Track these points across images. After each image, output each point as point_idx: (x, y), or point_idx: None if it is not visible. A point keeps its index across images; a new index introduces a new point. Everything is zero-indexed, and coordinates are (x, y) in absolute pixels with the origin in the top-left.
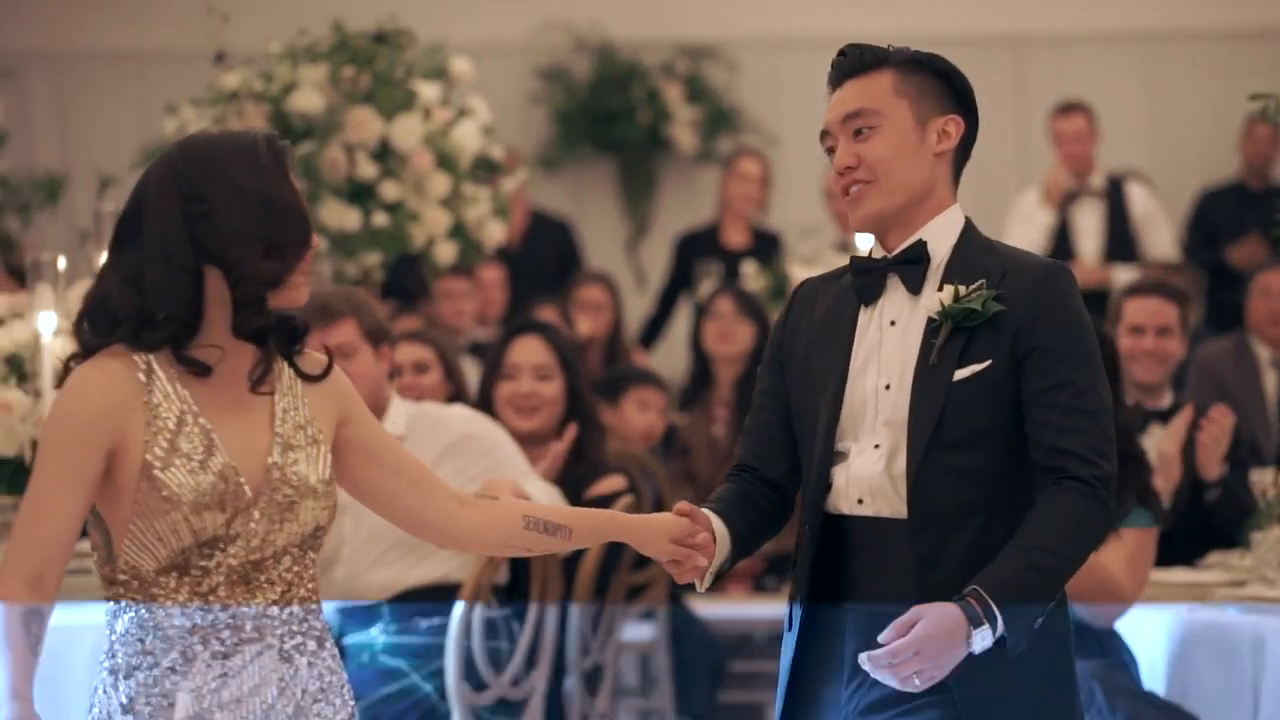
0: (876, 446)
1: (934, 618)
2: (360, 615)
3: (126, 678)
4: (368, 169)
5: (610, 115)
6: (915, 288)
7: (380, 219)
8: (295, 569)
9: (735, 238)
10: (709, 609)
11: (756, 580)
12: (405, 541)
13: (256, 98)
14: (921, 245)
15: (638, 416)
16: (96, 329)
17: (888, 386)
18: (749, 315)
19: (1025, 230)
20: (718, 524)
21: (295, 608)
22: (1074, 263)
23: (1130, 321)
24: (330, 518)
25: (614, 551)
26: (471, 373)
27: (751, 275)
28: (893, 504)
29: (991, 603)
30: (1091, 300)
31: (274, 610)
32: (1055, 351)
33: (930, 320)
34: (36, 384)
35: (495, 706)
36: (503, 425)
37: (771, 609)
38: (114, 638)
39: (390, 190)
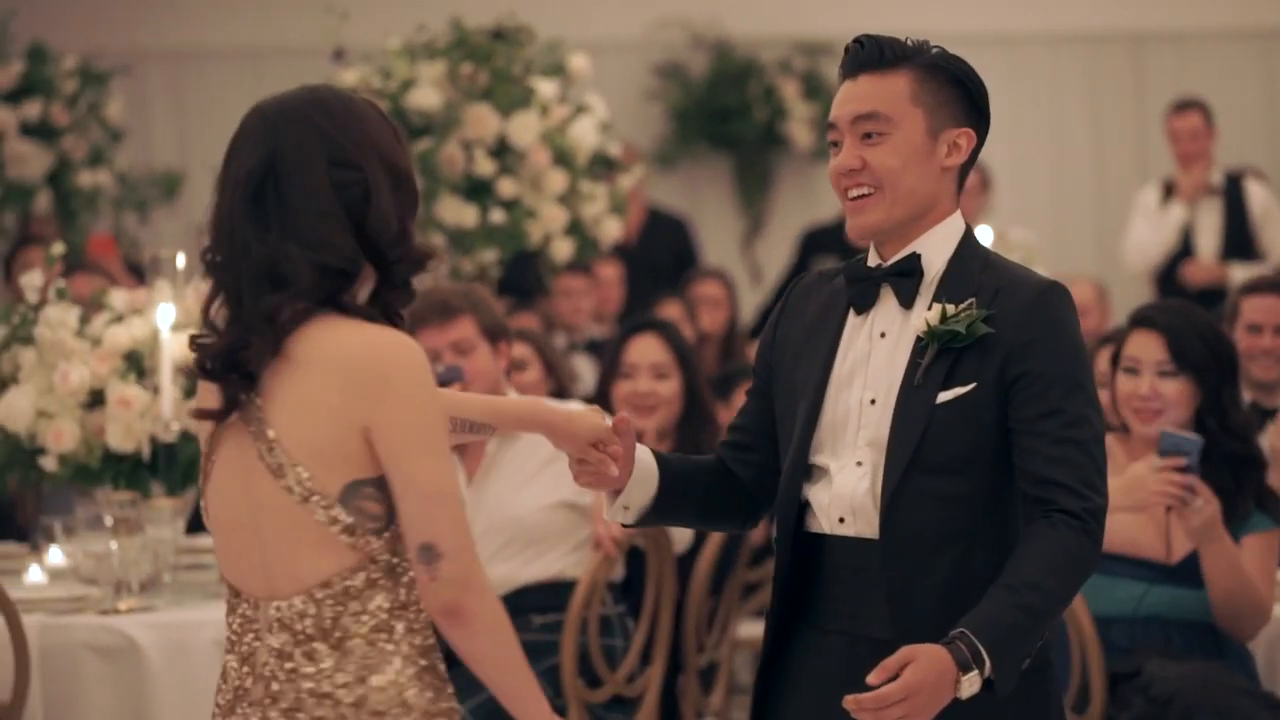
0: (859, 464)
1: (923, 664)
2: None
3: None
4: (485, 166)
5: (726, 112)
6: (907, 301)
7: (497, 216)
8: None
9: None
10: None
11: None
12: (520, 538)
13: (375, 94)
14: (915, 258)
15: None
16: (257, 296)
17: (873, 401)
18: None
19: (1152, 227)
20: (645, 456)
21: None
22: (1192, 261)
23: (1247, 320)
24: None
25: (730, 549)
26: (587, 371)
27: None
28: (874, 525)
29: (980, 646)
30: (1208, 298)
31: None
32: (1046, 377)
33: (918, 339)
34: (155, 380)
35: (610, 703)
36: None
37: None
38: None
39: (507, 187)
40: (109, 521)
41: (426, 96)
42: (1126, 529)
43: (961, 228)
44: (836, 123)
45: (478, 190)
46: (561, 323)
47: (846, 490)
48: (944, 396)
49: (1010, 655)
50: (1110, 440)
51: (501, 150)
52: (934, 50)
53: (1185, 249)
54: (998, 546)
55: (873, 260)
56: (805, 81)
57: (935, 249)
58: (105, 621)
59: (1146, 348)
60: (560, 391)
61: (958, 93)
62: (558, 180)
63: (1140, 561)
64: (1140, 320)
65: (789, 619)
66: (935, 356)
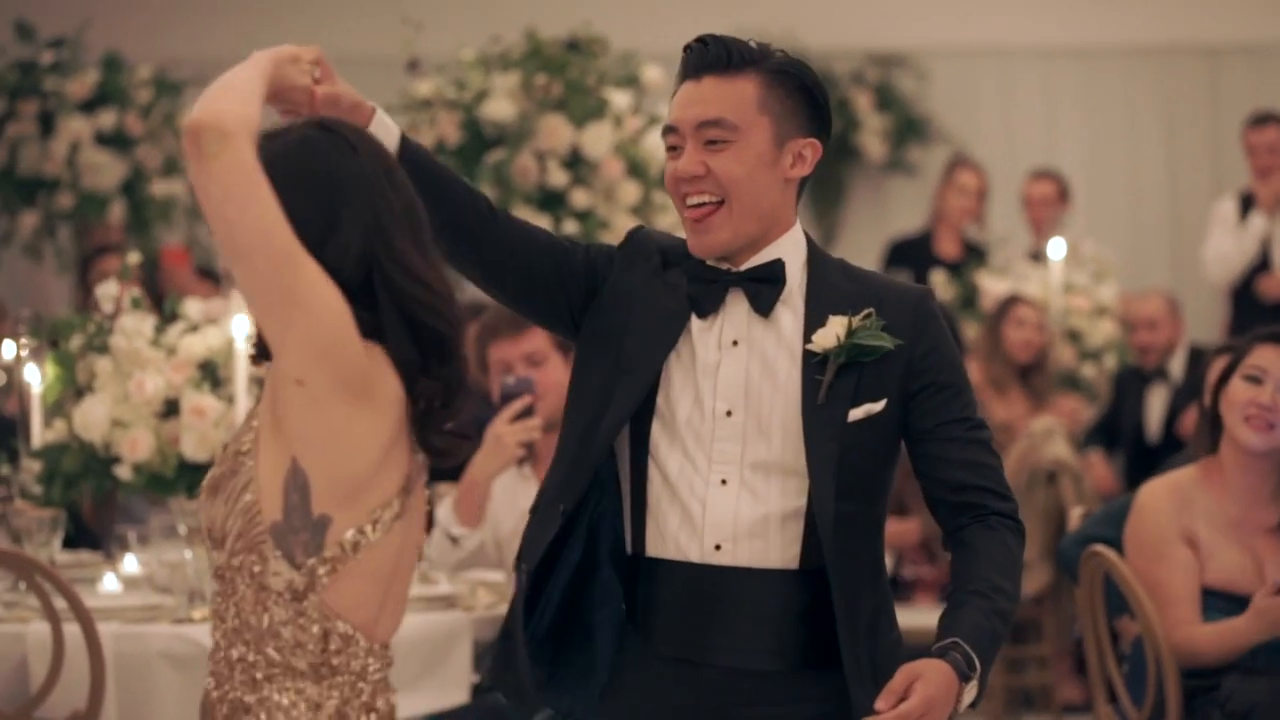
0: (724, 482)
1: (932, 678)
2: None
3: None
4: (559, 176)
5: None
6: (764, 308)
7: (570, 226)
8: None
9: (947, 247)
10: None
11: (944, 591)
12: None
13: (449, 105)
14: (779, 265)
15: None
16: None
17: (729, 413)
18: None
19: (1233, 239)
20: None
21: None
22: (1269, 274)
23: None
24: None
25: None
26: None
27: (941, 284)
28: (765, 553)
29: (974, 655)
30: None
31: None
32: (949, 385)
33: (810, 354)
34: (229, 390)
35: None
36: None
37: None
38: None
39: (581, 198)
40: (183, 530)
41: (501, 107)
42: (1224, 570)
43: (804, 239)
44: (678, 126)
45: (551, 201)
46: None
47: (725, 516)
48: (855, 415)
49: (990, 662)
50: (1195, 470)
51: (575, 161)
52: (779, 55)
53: (1263, 262)
54: (880, 569)
55: (718, 263)
56: (878, 93)
57: (790, 256)
58: (179, 630)
59: (1277, 362)
60: None
61: (804, 101)
62: (631, 191)
63: (1234, 597)
64: (1273, 336)
65: (626, 646)
66: (838, 372)
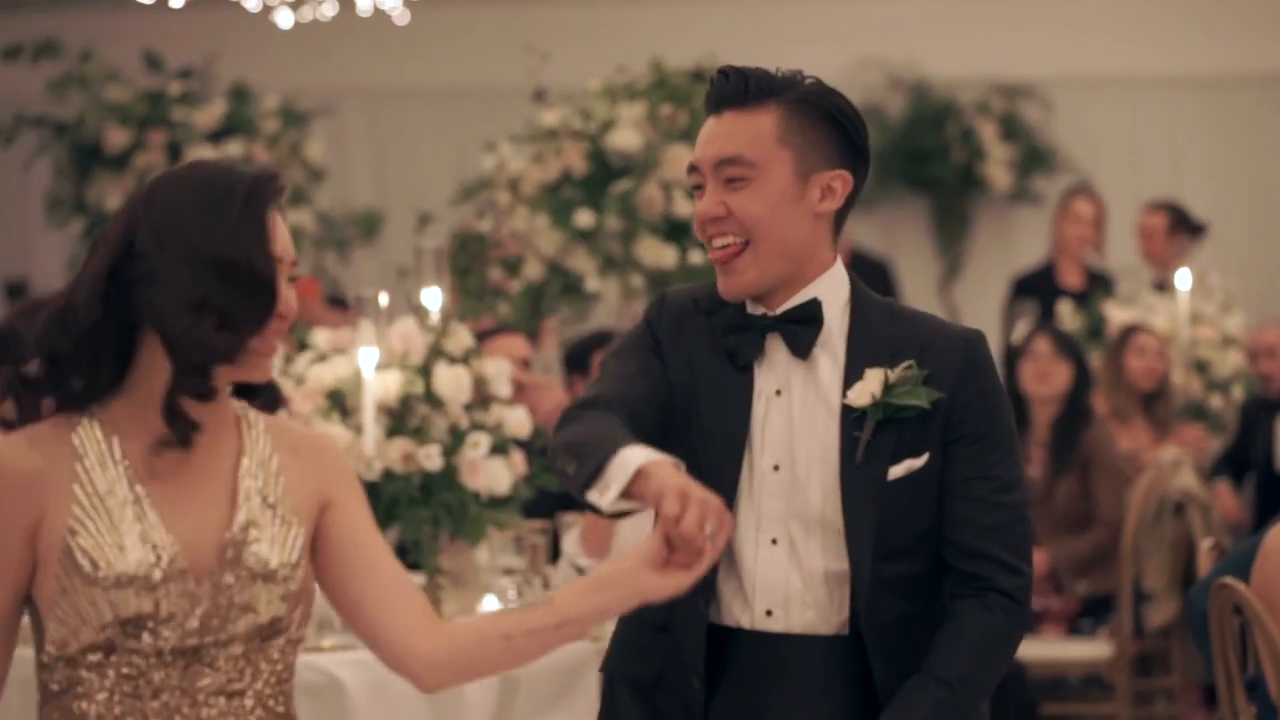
0: (774, 542)
1: None
2: None
3: None
4: (684, 206)
5: (924, 153)
6: (802, 351)
7: (696, 256)
8: (242, 665)
9: (1071, 278)
10: (1022, 650)
11: (1071, 622)
12: None
13: (574, 135)
14: (815, 305)
15: None
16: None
17: (776, 468)
18: (1066, 355)
19: None
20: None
21: (224, 703)
22: None
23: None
24: (294, 610)
25: None
26: None
27: (1068, 315)
28: (811, 619)
29: None
30: None
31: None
32: (984, 438)
33: (848, 409)
34: (358, 419)
35: None
36: None
37: (1087, 651)
38: None
39: None
40: None
41: (626, 137)
42: None
43: (847, 279)
44: (699, 164)
45: (677, 231)
46: None
47: (775, 579)
48: (895, 472)
49: None
50: None
51: None
52: (808, 82)
53: None
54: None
55: (754, 308)
56: (1003, 123)
57: (830, 297)
58: (308, 659)
59: None
60: None
61: (831, 130)
62: None
63: None
64: None
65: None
66: (876, 428)
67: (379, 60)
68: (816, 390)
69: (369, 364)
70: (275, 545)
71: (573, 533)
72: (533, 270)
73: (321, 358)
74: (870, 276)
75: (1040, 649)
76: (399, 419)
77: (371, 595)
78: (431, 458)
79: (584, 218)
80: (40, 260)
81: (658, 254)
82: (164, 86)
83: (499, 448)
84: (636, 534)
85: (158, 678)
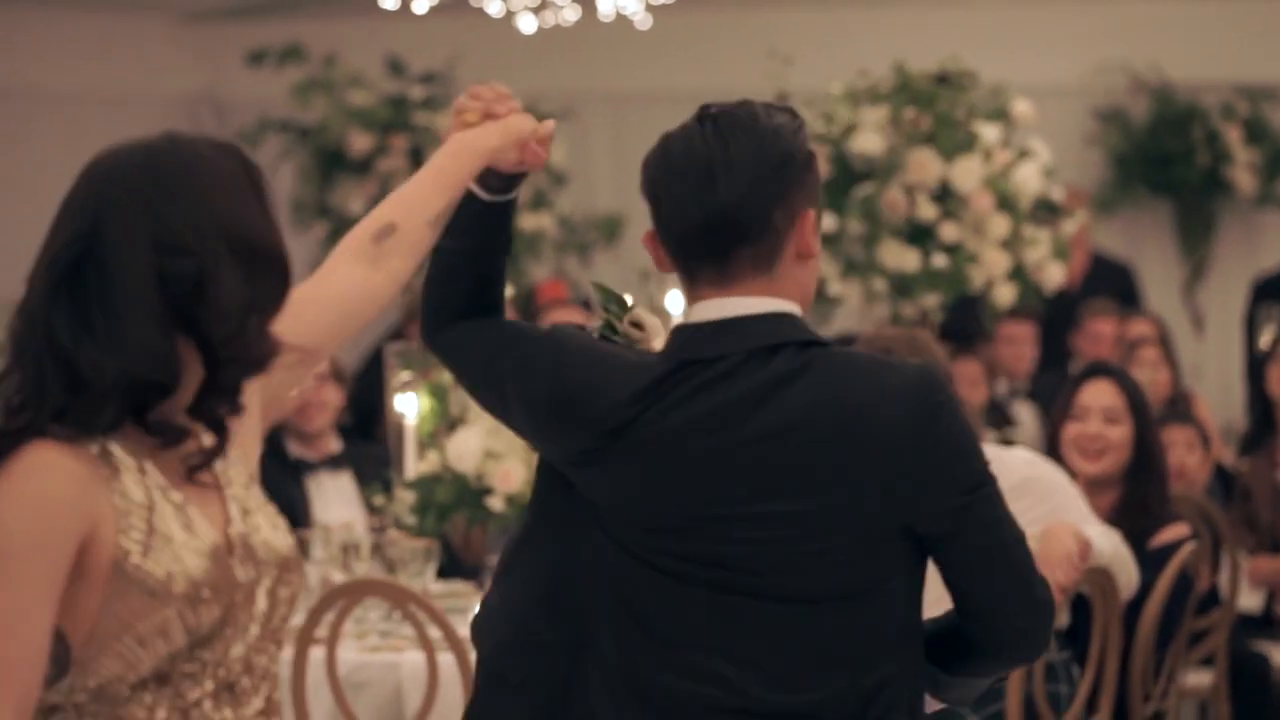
0: None
1: None
2: None
3: None
4: (927, 210)
5: (1167, 157)
6: None
7: (939, 260)
8: (273, 668)
9: None
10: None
11: None
12: None
13: (817, 139)
14: None
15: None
16: (46, 396)
17: None
18: None
19: None
20: None
21: None
22: None
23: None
24: (299, 592)
25: (1177, 597)
26: (1028, 417)
27: None
28: None
29: None
30: None
31: None
32: None
33: None
34: None
35: None
36: (1066, 468)
37: None
38: None
39: (950, 231)
40: None
41: (869, 141)
42: None
43: None
44: None
45: (920, 234)
46: (1004, 369)
47: None
48: None
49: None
50: None
51: (944, 194)
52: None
53: None
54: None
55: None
56: (1248, 127)
57: None
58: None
59: None
60: None
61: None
62: (1000, 225)
63: None
64: None
65: None
66: None
67: (620, 64)
68: None
69: None
70: (272, 526)
71: None
72: None
73: None
74: (1112, 281)
75: None
76: None
77: (331, 312)
78: None
79: (826, 221)
80: None
81: (900, 257)
82: (407, 91)
83: None
84: None
85: (208, 707)
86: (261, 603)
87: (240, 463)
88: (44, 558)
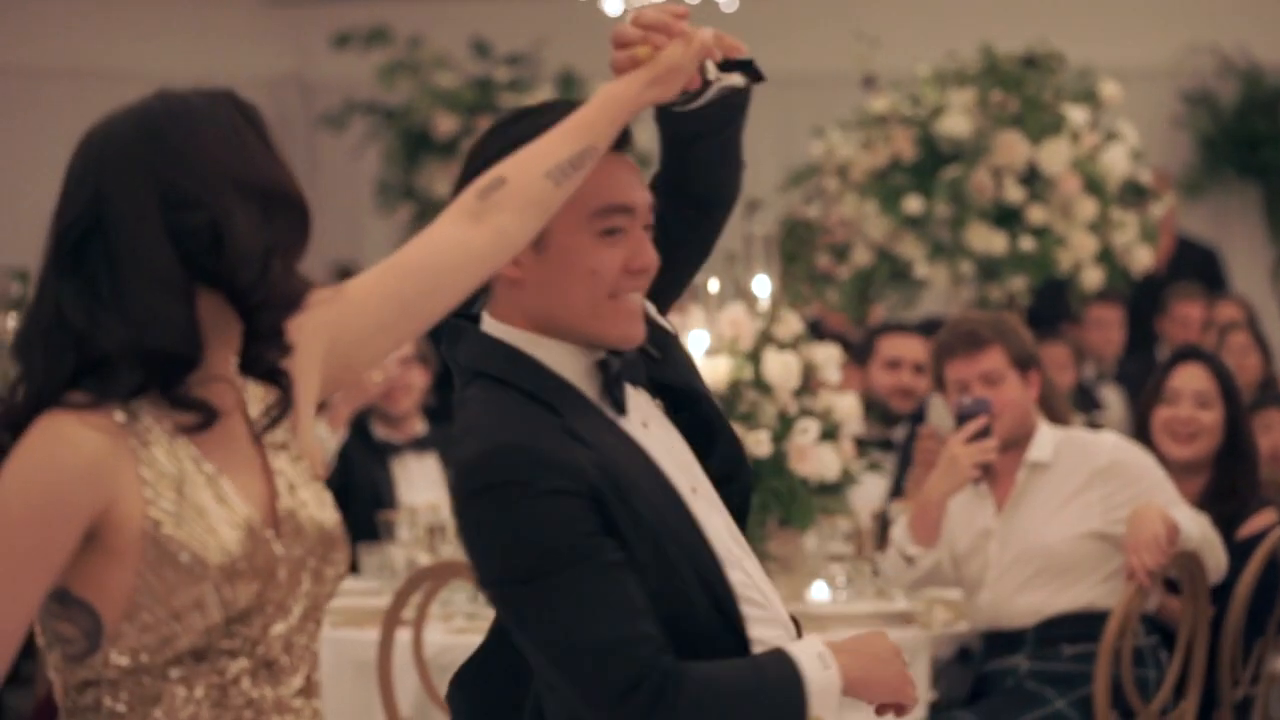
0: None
1: None
2: (1004, 641)
3: None
4: (1015, 193)
5: (1256, 139)
6: (640, 377)
7: (1027, 243)
8: (313, 646)
9: None
10: None
11: None
12: (1052, 568)
13: (904, 121)
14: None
15: (1261, 438)
16: (56, 370)
17: (694, 490)
18: None
19: None
20: None
21: (317, 704)
22: None
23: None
24: (346, 569)
25: (1267, 582)
26: (1116, 401)
27: None
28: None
29: None
30: None
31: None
32: None
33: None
34: None
35: None
36: (1155, 452)
37: None
38: None
39: (1037, 214)
40: None
41: (956, 123)
42: None
43: None
44: (632, 208)
45: (1007, 217)
46: (1091, 353)
47: (769, 588)
48: None
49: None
50: None
51: (1031, 177)
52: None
53: None
54: None
55: (592, 355)
56: None
57: None
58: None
59: None
60: (1055, 419)
61: None
62: (1088, 208)
63: None
64: None
65: None
66: None
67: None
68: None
69: (699, 349)
70: (319, 503)
71: (901, 521)
72: (861, 257)
73: None
74: (1198, 264)
75: None
76: (728, 404)
77: (425, 274)
78: (761, 443)
79: (913, 204)
80: (370, 245)
81: (987, 240)
82: (492, 73)
83: (828, 434)
84: (968, 523)
85: (246, 684)
86: (306, 581)
87: (290, 437)
88: (39, 534)
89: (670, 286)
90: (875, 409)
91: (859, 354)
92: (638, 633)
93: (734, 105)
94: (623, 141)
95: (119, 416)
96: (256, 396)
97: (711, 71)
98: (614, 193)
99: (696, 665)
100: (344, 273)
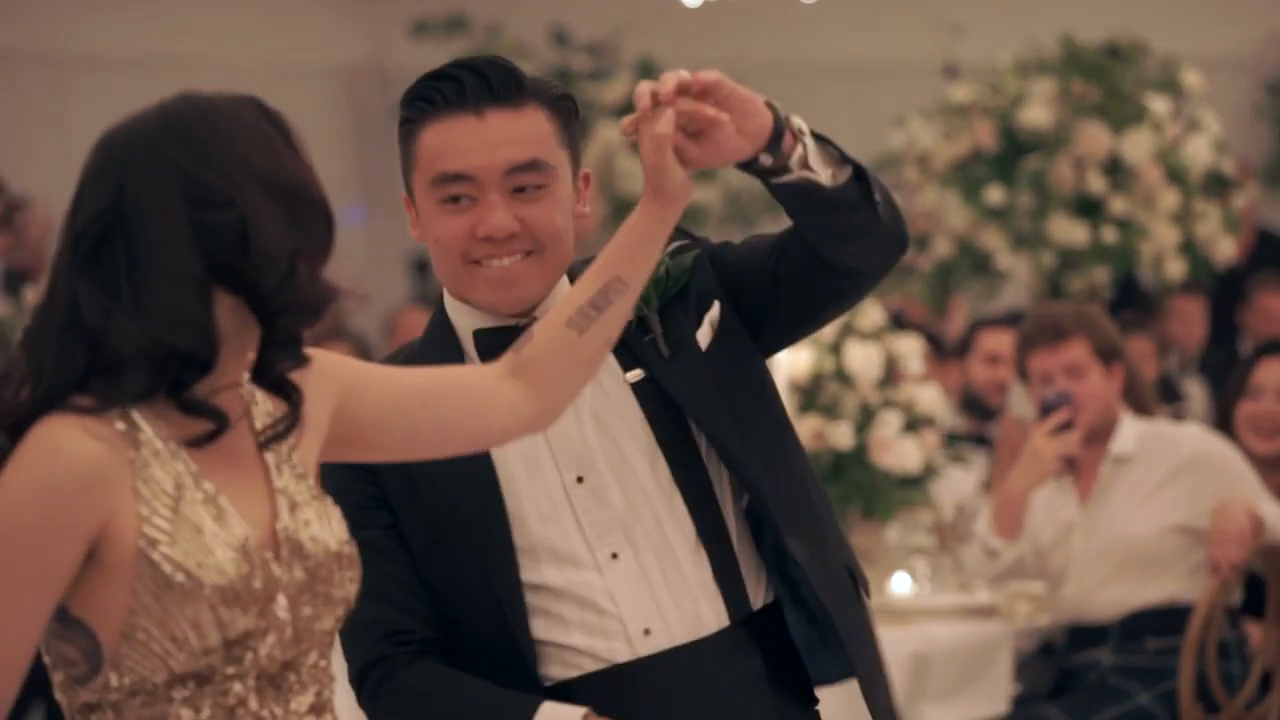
0: (615, 556)
1: None
2: (1087, 635)
3: None
4: (1096, 183)
5: None
6: None
7: (1109, 234)
8: (323, 664)
9: None
10: None
11: None
12: (1135, 561)
13: (985, 111)
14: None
15: None
16: (66, 369)
17: (580, 480)
18: None
19: None
20: None
21: None
22: None
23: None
24: (357, 588)
25: None
26: (1198, 393)
27: None
28: (695, 620)
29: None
30: None
31: None
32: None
33: (623, 347)
34: None
35: None
36: (1239, 445)
37: None
38: None
39: (1119, 205)
40: None
41: (1037, 113)
42: None
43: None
44: (474, 174)
45: (1088, 208)
46: (1174, 344)
47: (642, 594)
48: (702, 336)
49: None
50: None
51: (1114, 168)
52: (546, 81)
53: None
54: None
55: (498, 319)
56: None
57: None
58: None
59: None
60: (1141, 411)
61: (576, 127)
62: (1170, 198)
63: None
64: None
65: None
66: (661, 317)
67: (785, 35)
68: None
69: None
70: (323, 522)
71: (984, 514)
72: (942, 247)
73: None
74: (1277, 255)
75: None
76: (810, 396)
77: (448, 415)
78: (843, 435)
79: (994, 194)
80: None
81: (1069, 231)
82: (570, 61)
83: (910, 426)
84: (1051, 515)
85: (254, 704)
86: (309, 604)
87: (295, 453)
88: (37, 553)
89: (782, 332)
90: (973, 404)
91: (959, 349)
92: (379, 616)
93: (815, 199)
94: (489, 96)
95: (119, 425)
96: (264, 413)
97: (796, 156)
98: (445, 160)
99: (435, 672)
100: (422, 266)
